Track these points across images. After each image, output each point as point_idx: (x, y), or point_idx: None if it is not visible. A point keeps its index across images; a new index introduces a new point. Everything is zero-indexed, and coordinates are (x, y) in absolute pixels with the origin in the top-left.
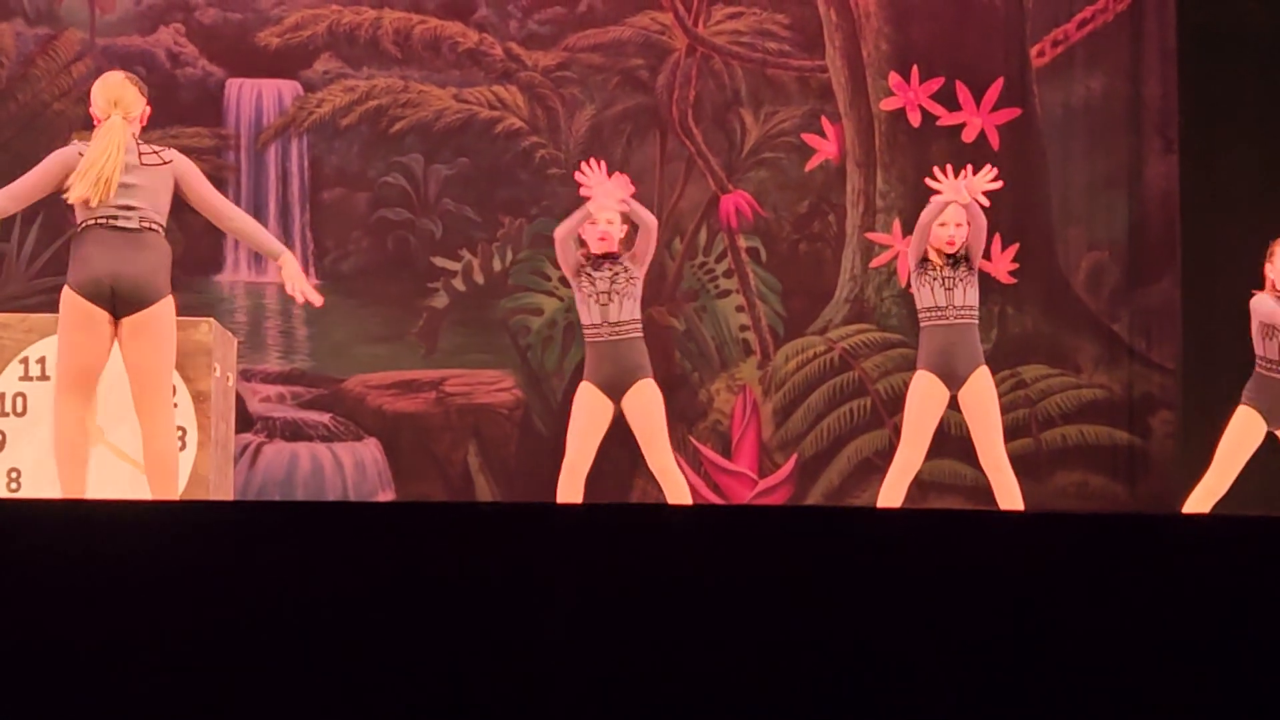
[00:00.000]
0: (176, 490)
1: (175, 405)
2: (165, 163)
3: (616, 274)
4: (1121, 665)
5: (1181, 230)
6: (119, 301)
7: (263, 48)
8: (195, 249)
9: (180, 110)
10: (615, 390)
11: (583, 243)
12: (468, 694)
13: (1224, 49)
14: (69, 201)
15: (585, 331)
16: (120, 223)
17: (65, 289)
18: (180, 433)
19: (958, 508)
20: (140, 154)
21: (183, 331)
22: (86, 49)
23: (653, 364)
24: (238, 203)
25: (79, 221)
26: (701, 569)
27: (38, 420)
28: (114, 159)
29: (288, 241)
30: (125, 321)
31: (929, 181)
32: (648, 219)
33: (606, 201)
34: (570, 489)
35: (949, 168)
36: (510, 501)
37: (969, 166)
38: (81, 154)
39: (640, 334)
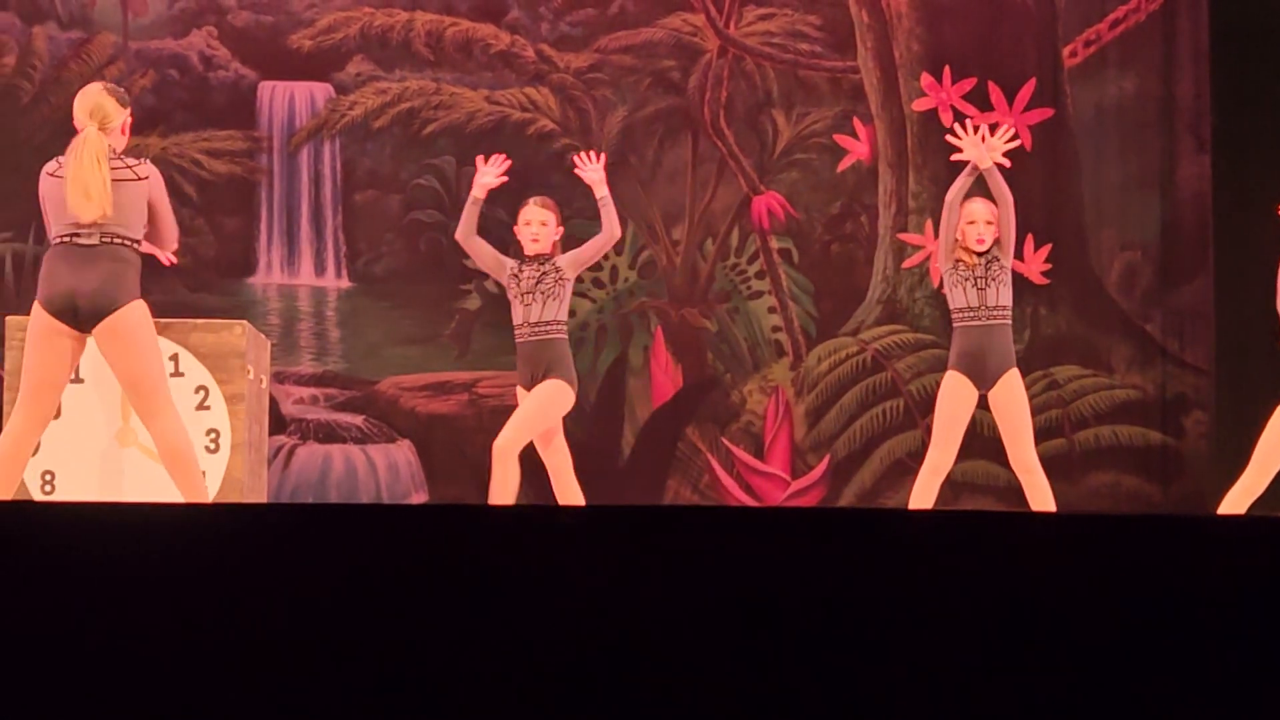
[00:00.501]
0: (201, 481)
1: (208, 407)
2: (140, 179)
3: (544, 274)
4: (1156, 669)
5: (1214, 230)
6: (82, 316)
7: (295, 50)
8: (228, 252)
9: (213, 113)
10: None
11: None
12: (501, 697)
13: (1257, 48)
14: (82, 221)
15: (514, 332)
16: (82, 239)
17: (34, 304)
18: (214, 435)
19: (990, 508)
20: (111, 169)
21: (216, 334)
22: (119, 52)
23: (685, 365)
24: (270, 206)
25: (51, 239)
26: (728, 571)
27: (71, 423)
28: (97, 170)
29: (320, 244)
30: (95, 331)
31: (949, 138)
32: (614, 229)
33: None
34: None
35: (968, 123)
36: (543, 505)
37: (986, 126)
38: (52, 174)
39: (563, 335)
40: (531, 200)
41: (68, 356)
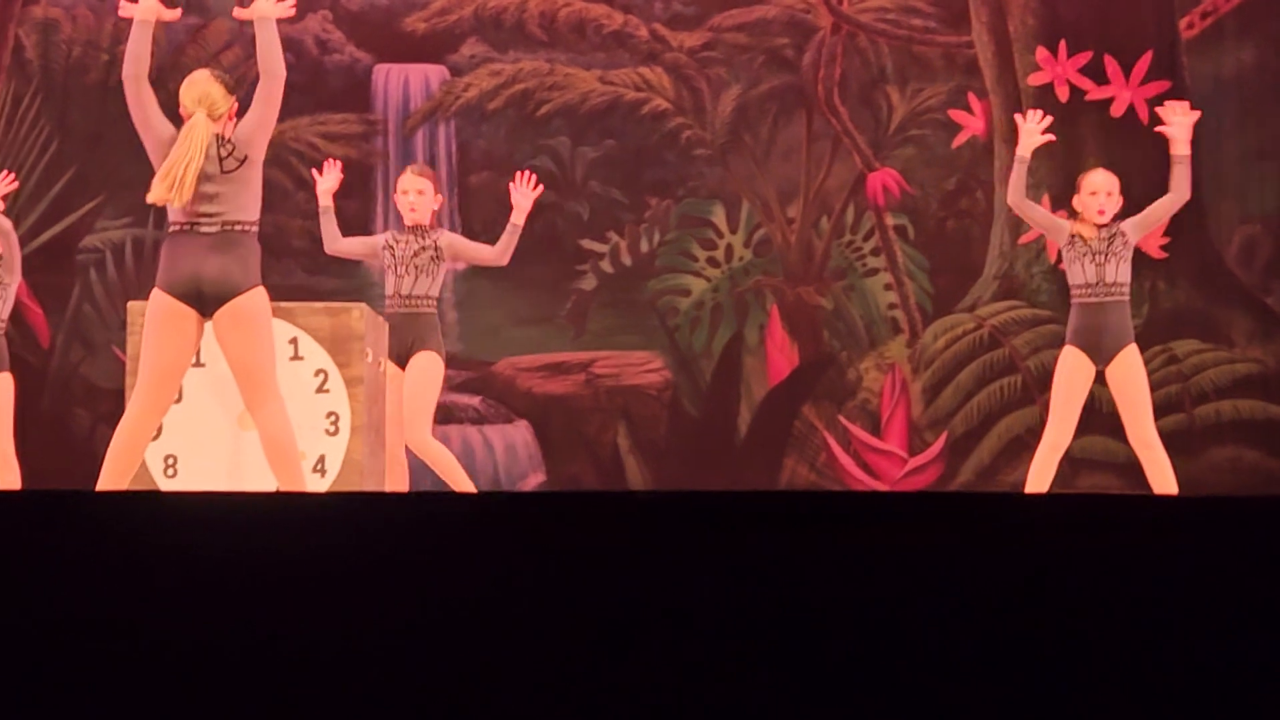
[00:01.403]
0: (301, 474)
1: (327, 390)
2: (247, 160)
3: (423, 249)
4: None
5: None
6: (205, 300)
7: (409, 33)
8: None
9: (328, 97)
10: (404, 363)
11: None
12: (623, 689)
13: None
14: (149, 203)
15: (385, 302)
16: (202, 227)
17: (154, 289)
18: (333, 418)
19: (1110, 485)
20: (221, 159)
21: (335, 317)
22: (235, 37)
23: (801, 343)
24: (386, 189)
25: (169, 225)
26: (843, 556)
27: (193, 407)
28: (194, 162)
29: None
30: (216, 316)
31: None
32: (505, 257)
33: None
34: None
35: (1029, 113)
36: (664, 490)
37: (1028, 113)
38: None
39: (432, 310)
40: (409, 168)
41: (189, 340)
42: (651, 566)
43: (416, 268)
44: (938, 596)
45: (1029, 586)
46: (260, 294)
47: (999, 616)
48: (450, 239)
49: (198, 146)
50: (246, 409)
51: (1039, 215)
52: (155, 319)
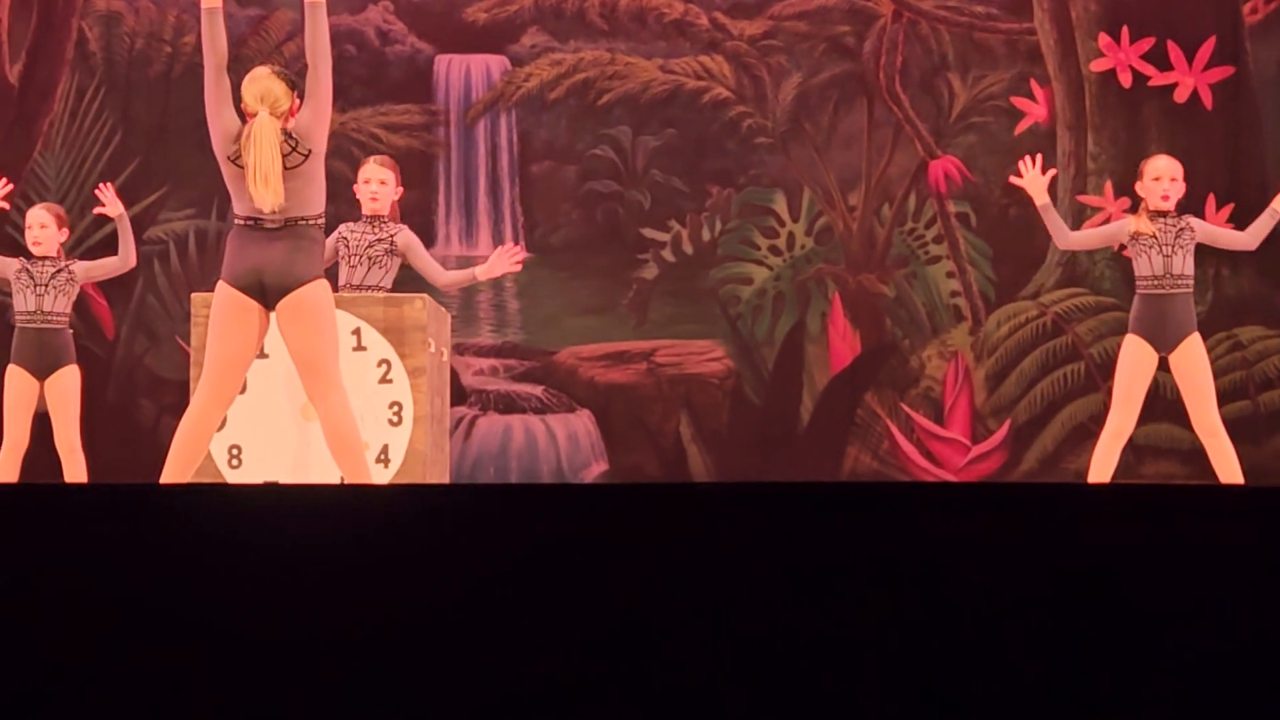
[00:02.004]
0: (365, 465)
1: (390, 381)
2: (310, 154)
3: (379, 240)
4: None
5: None
6: (269, 292)
7: (470, 23)
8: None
9: (390, 87)
10: None
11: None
12: (690, 678)
13: None
14: (263, 210)
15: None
16: (267, 223)
17: (219, 282)
18: (397, 408)
19: (1174, 472)
20: (285, 155)
21: (397, 308)
22: (297, 29)
23: (863, 331)
24: (448, 179)
25: (233, 219)
26: (907, 546)
27: (257, 398)
28: (275, 161)
29: (497, 215)
30: (279, 307)
31: (1012, 179)
32: (463, 281)
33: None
34: None
35: (1028, 159)
36: (729, 482)
37: (1020, 164)
38: (232, 159)
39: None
40: (372, 159)
41: (254, 332)
42: (713, 557)
43: (370, 260)
44: (1000, 587)
45: (1094, 577)
46: (323, 285)
47: (1062, 607)
48: (409, 241)
49: (270, 147)
50: (309, 400)
51: (1095, 238)
52: (220, 311)
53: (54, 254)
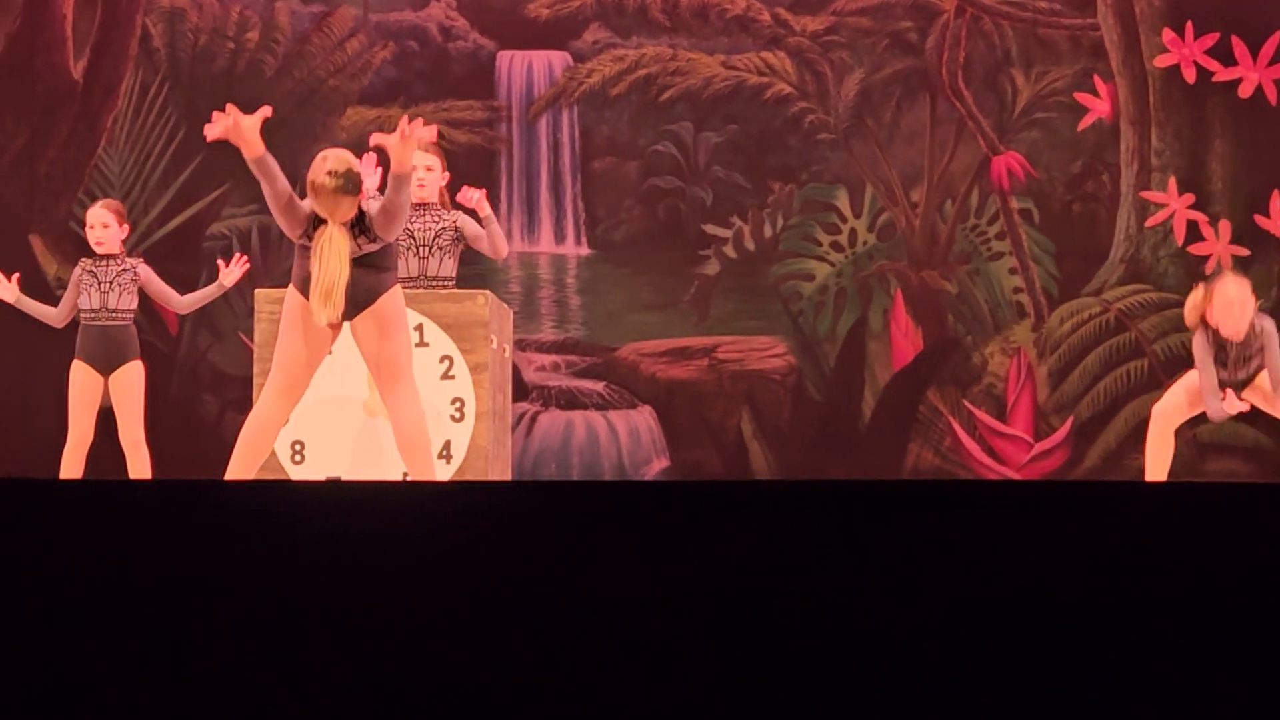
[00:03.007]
0: (433, 466)
1: (452, 377)
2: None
3: (443, 229)
4: None
5: None
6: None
7: (533, 19)
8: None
9: (452, 83)
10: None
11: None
12: (755, 672)
13: None
14: (321, 326)
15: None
16: None
17: (290, 287)
18: (459, 404)
19: (1238, 469)
20: (360, 246)
21: (459, 304)
22: (360, 25)
23: (926, 328)
24: (510, 175)
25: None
26: (971, 544)
27: (319, 394)
28: (341, 277)
29: (559, 211)
30: (356, 321)
31: None
32: (500, 247)
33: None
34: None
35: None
36: (791, 479)
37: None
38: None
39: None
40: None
41: (325, 340)
42: (774, 555)
43: (440, 249)
44: (1064, 585)
45: (1157, 575)
46: (397, 292)
47: (1126, 605)
48: (470, 227)
49: (339, 262)
50: (381, 399)
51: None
52: (291, 318)
53: (116, 251)
